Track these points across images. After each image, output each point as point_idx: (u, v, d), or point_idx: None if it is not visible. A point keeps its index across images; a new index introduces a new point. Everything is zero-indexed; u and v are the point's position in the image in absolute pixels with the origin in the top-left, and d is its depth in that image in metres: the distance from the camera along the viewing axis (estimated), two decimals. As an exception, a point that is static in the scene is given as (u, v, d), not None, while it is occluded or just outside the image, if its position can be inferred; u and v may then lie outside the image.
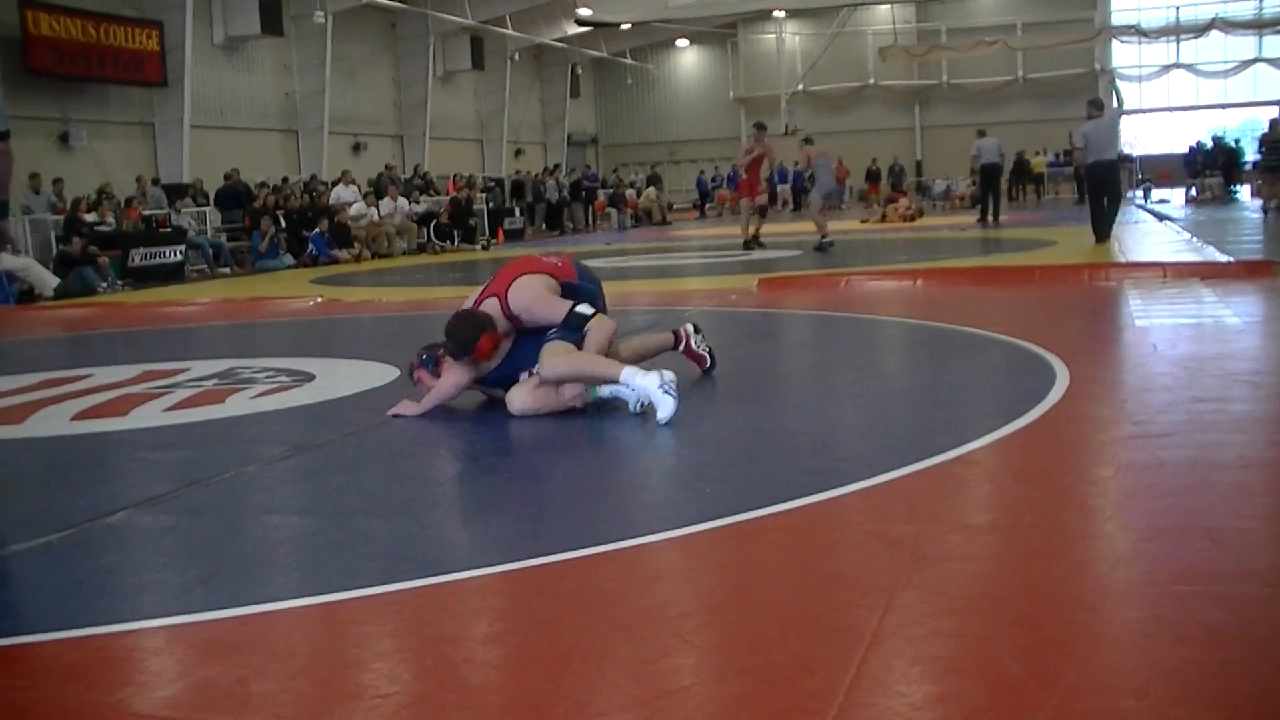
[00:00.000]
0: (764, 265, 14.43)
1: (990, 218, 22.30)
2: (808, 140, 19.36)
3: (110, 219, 18.17)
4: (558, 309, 5.51)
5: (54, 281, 15.53)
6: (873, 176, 38.65)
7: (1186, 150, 32.70)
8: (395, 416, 5.63)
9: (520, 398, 5.45)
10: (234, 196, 21.85)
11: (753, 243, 17.85)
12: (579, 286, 5.74)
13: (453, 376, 5.66)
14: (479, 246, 23.71)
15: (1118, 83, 17.69)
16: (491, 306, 5.57)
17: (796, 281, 11.95)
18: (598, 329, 5.47)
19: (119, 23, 21.92)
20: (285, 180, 24.52)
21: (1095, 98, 15.70)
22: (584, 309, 5.49)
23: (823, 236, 16.76)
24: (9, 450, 5.54)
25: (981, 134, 23.40)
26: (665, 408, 5.08)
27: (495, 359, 5.63)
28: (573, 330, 5.46)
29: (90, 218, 17.57)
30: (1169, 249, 14.02)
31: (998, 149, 22.61)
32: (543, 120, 41.66)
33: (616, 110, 46.68)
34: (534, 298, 5.55)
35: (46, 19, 20.33)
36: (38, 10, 20.14)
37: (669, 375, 5.16)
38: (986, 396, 5.77)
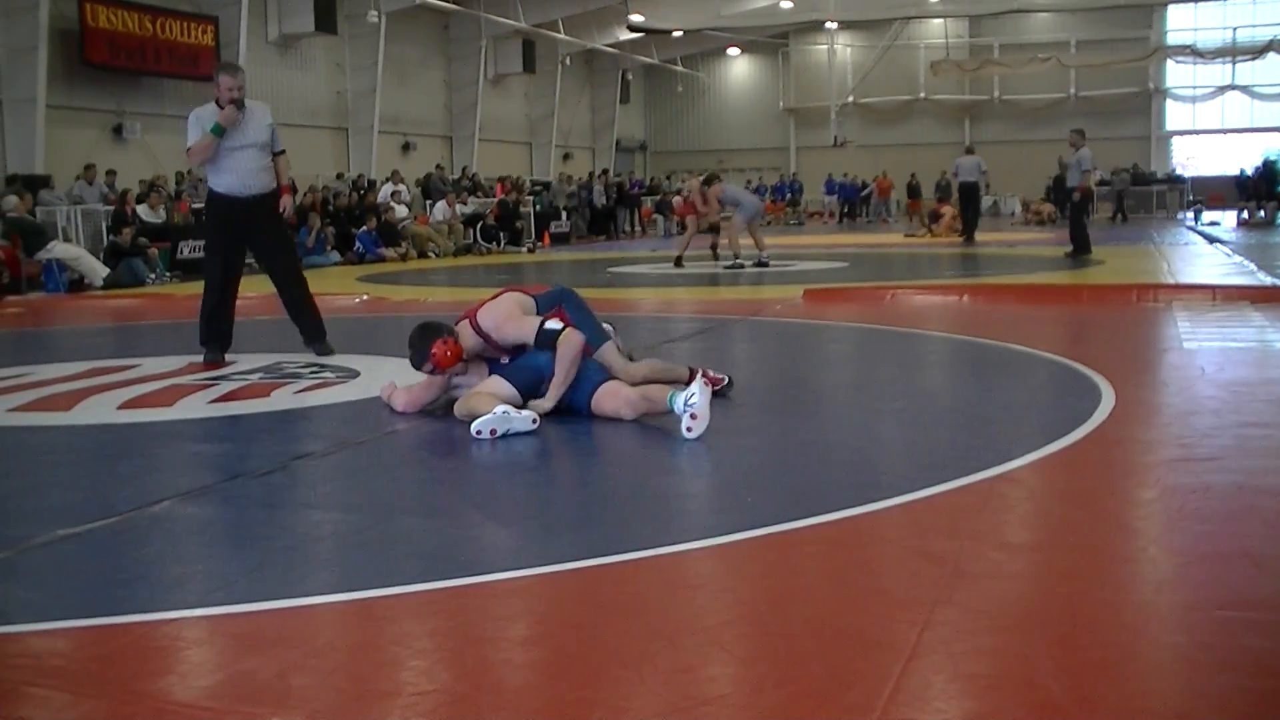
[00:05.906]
0: (801, 277, 14.39)
1: (969, 236, 22.51)
2: (715, 178, 18.00)
3: (160, 211, 18.32)
4: (525, 326, 5.58)
5: (104, 272, 15.69)
6: (914, 191, 38.42)
7: (1238, 173, 32.37)
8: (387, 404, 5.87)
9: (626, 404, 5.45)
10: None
11: (680, 262, 17.38)
12: (558, 301, 5.79)
13: (419, 391, 5.81)
14: (525, 249, 23.83)
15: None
16: (464, 329, 5.68)
17: (842, 294, 11.89)
18: (566, 343, 5.47)
19: (175, 17, 22.14)
20: (339, 177, 24.72)
21: (1079, 127, 16.64)
22: (552, 324, 5.53)
23: (735, 256, 16.72)
24: (55, 437, 5.60)
25: (970, 151, 23.47)
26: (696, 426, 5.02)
27: (460, 369, 5.72)
28: (546, 348, 5.50)
29: (140, 209, 17.70)
30: (1219, 271, 13.88)
31: (978, 167, 22.63)
32: (592, 125, 41.72)
33: (666, 117, 46.64)
34: (503, 315, 5.65)
35: (104, 12, 20.56)
36: (96, 3, 20.37)
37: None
38: (1031, 415, 5.73)
